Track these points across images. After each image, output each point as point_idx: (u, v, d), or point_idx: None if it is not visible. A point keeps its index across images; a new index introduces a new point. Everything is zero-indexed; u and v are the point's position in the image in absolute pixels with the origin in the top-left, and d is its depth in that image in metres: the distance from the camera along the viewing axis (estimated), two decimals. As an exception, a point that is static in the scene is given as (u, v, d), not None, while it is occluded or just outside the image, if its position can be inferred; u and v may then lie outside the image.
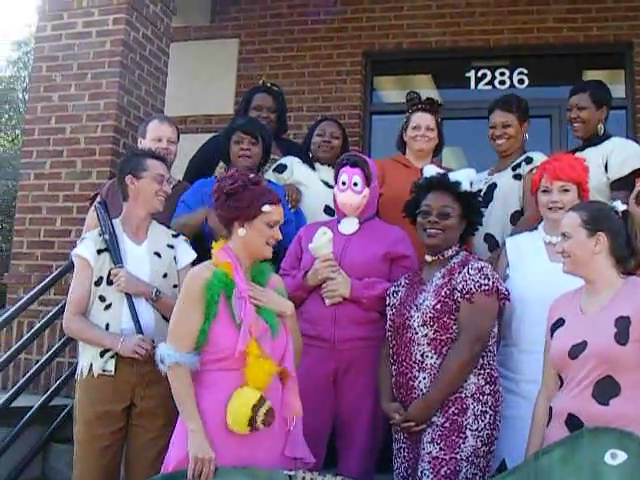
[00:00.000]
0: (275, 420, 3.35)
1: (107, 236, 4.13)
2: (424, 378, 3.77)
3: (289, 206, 4.99)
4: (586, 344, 3.21)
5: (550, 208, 4.07)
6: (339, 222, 4.39)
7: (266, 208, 3.52)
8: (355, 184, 4.27)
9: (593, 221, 3.36)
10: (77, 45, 6.57)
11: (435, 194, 4.01)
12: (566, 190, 4.05)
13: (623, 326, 3.15)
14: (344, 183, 4.29)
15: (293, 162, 5.39)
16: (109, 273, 4.07)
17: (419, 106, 5.24)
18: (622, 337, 3.14)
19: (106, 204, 4.31)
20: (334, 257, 4.19)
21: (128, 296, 4.05)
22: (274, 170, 5.37)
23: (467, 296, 3.77)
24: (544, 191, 4.11)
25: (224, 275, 3.47)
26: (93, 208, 4.62)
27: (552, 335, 3.43)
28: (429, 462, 3.64)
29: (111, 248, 4.11)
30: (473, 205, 4.09)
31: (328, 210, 5.01)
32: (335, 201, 4.40)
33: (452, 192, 4.00)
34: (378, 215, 4.58)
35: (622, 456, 2.98)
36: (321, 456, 4.03)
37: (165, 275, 4.17)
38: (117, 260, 4.08)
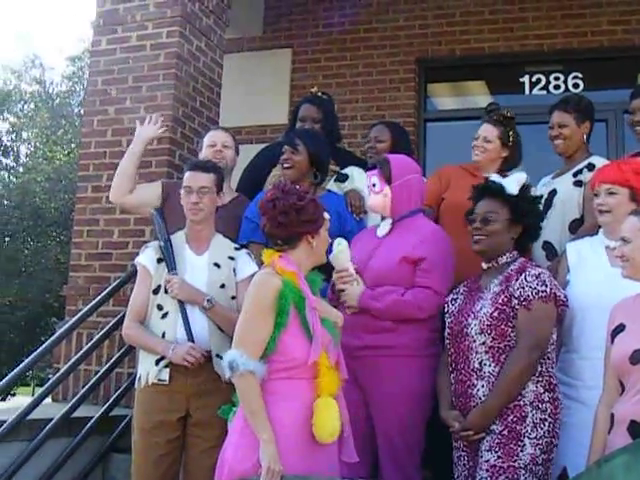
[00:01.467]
0: None
1: (162, 243, 4.19)
2: (482, 386, 3.76)
3: (353, 215, 4.97)
4: (647, 350, 3.16)
5: (600, 211, 4.03)
6: (379, 226, 4.40)
7: (326, 215, 3.59)
8: (373, 185, 4.28)
9: None
10: (132, 58, 6.65)
11: (484, 200, 4.02)
12: (612, 193, 3.97)
13: (685, 331, 3.10)
14: (368, 187, 4.34)
15: (354, 171, 5.36)
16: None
17: (490, 116, 5.24)
18: (684, 343, 3.08)
19: (162, 212, 4.36)
20: (363, 262, 4.20)
21: (182, 305, 4.10)
22: (336, 180, 5.34)
23: (524, 303, 3.74)
24: (595, 194, 4.07)
25: (293, 284, 3.47)
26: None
27: (612, 341, 3.39)
28: (487, 470, 3.63)
29: (165, 255, 4.17)
30: (523, 209, 4.03)
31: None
32: None
33: (499, 197, 3.99)
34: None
35: (685, 463, 2.94)
36: (368, 464, 4.06)
37: (223, 285, 4.20)
38: (171, 267, 4.15)
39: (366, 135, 5.46)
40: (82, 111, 10.94)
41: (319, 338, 3.39)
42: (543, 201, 4.75)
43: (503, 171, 5.07)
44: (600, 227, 4.17)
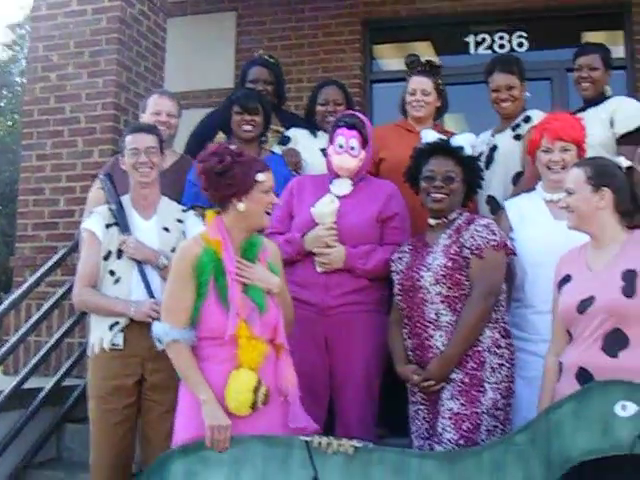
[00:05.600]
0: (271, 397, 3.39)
1: (114, 206, 4.16)
2: (440, 336, 3.81)
3: (290, 170, 4.99)
4: (594, 299, 3.21)
5: (549, 167, 4.08)
6: (331, 182, 4.35)
7: (260, 177, 3.49)
8: (352, 148, 4.24)
9: (597, 177, 3.36)
10: (73, 23, 6.53)
11: (438, 159, 4.01)
12: (567, 150, 4.05)
13: (630, 279, 3.17)
14: (341, 146, 4.25)
15: (296, 134, 5.37)
16: (118, 247, 4.09)
17: (417, 69, 5.20)
18: (629, 290, 3.15)
19: (111, 176, 4.33)
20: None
21: (139, 266, 4.08)
22: (278, 143, 5.36)
23: (476, 252, 3.80)
24: (544, 151, 4.10)
25: (214, 253, 3.46)
26: (96, 184, 4.65)
27: (560, 291, 3.44)
28: (450, 418, 3.68)
29: (118, 218, 4.14)
30: (474, 169, 4.10)
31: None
32: (328, 161, 4.37)
33: (454, 157, 4.00)
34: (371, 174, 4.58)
35: (632, 407, 3.00)
36: (322, 419, 4.05)
37: (173, 249, 4.15)
38: (125, 229, 4.11)
39: (315, 93, 5.40)
40: (24, 80, 10.75)
41: (235, 310, 3.38)
42: (484, 157, 4.83)
43: (435, 121, 5.16)
44: (539, 180, 4.22)
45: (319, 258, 4.15)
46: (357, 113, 4.55)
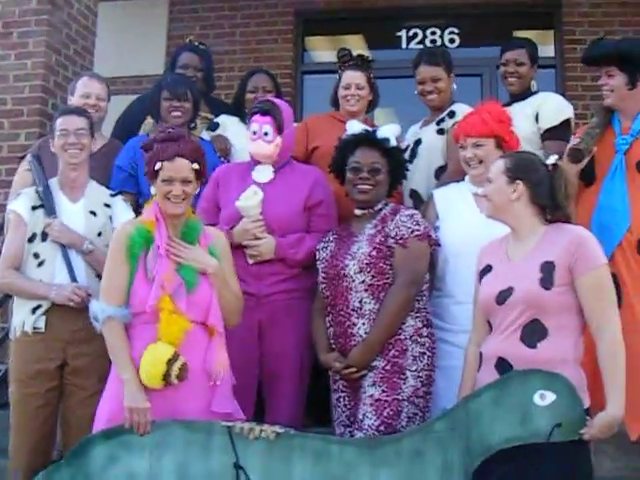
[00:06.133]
0: (188, 375, 3.36)
1: (41, 188, 4.13)
2: (363, 324, 3.84)
3: (219, 156, 4.99)
4: (512, 290, 3.27)
5: (467, 163, 4.14)
6: (253, 169, 4.34)
7: (158, 165, 3.50)
8: (265, 134, 4.22)
9: (514, 169, 3.41)
10: (2, 3, 6.44)
11: (363, 150, 4.04)
12: (479, 145, 4.08)
13: (548, 271, 3.22)
14: (255, 132, 4.24)
15: (225, 120, 5.37)
16: (43, 230, 4.06)
17: (350, 63, 5.23)
18: (547, 282, 3.20)
19: (39, 157, 4.28)
20: None
21: (63, 250, 4.04)
22: (207, 129, 5.36)
23: (400, 241, 3.84)
24: (461, 147, 4.17)
25: (146, 231, 3.50)
26: (23, 166, 4.60)
27: (480, 281, 3.50)
28: (371, 405, 3.72)
29: (45, 200, 4.11)
30: (399, 161, 4.15)
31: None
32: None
33: (379, 148, 4.04)
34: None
35: (551, 397, 3.08)
36: (250, 409, 4.05)
37: (100, 234, 4.17)
38: (51, 212, 4.08)
39: (245, 81, 5.39)
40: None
41: (159, 282, 3.39)
42: (409, 150, 4.87)
43: (366, 114, 5.19)
44: (463, 175, 4.28)
45: (249, 250, 4.15)
46: (273, 99, 4.55)
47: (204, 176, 3.68)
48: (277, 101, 4.44)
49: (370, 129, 4.18)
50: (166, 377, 3.31)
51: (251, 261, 4.14)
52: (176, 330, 3.39)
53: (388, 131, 4.14)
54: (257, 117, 4.26)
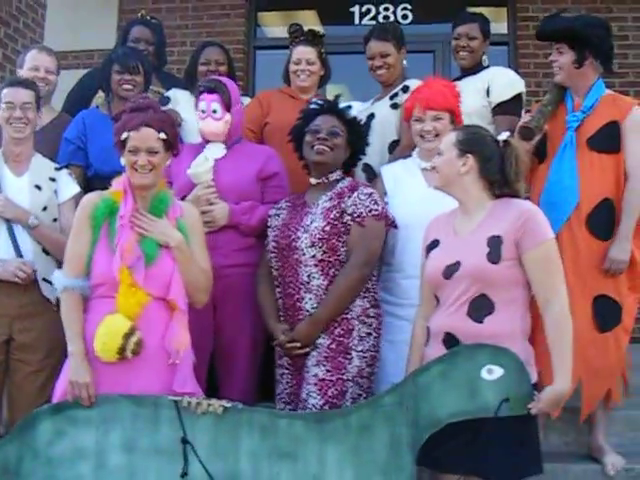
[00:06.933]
0: (142, 350, 3.34)
1: None
2: (310, 299, 3.82)
3: None
4: (460, 264, 3.27)
5: (422, 136, 4.14)
6: (204, 148, 4.33)
7: (124, 135, 3.49)
8: (214, 111, 4.22)
9: (465, 143, 3.42)
10: (-51, -25, 6.32)
11: (324, 117, 4.03)
12: (439, 118, 4.11)
13: (495, 245, 3.23)
14: (203, 111, 4.24)
15: (176, 94, 5.32)
16: None
17: (301, 39, 5.21)
18: (494, 256, 3.21)
19: None
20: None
21: (8, 225, 4.00)
22: (159, 103, 5.28)
23: (358, 219, 3.81)
24: (417, 120, 4.16)
25: (112, 201, 3.48)
26: None
27: (427, 256, 3.50)
28: (315, 384, 3.70)
29: None
30: (359, 132, 4.14)
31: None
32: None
33: (340, 117, 4.04)
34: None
35: (498, 371, 3.11)
36: (202, 383, 4.02)
37: (45, 208, 4.13)
38: None
39: (197, 54, 5.35)
40: None
41: (119, 253, 3.36)
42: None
43: (318, 89, 5.22)
44: (414, 148, 4.28)
45: (203, 217, 4.11)
46: (219, 77, 4.54)
47: (175, 148, 3.64)
48: (223, 79, 4.43)
49: (330, 100, 4.18)
50: (121, 351, 3.29)
51: (206, 230, 4.10)
52: (133, 303, 3.35)
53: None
54: (204, 95, 4.26)
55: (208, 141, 4.31)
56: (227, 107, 4.24)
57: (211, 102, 4.22)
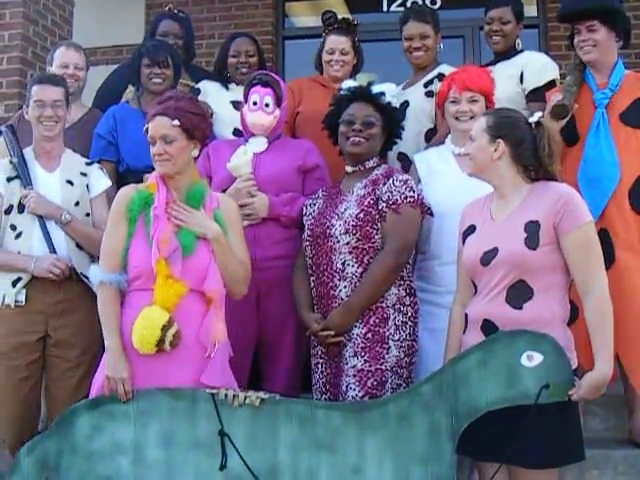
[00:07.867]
0: (181, 343, 3.33)
1: (15, 159, 4.08)
2: (345, 287, 3.78)
3: None
4: (497, 250, 3.23)
5: (457, 118, 4.09)
6: (247, 141, 4.33)
7: (145, 127, 3.50)
8: (267, 105, 4.23)
9: (496, 127, 3.37)
10: (-24, -25, 6.33)
11: (358, 104, 3.99)
12: (475, 100, 4.07)
13: (532, 230, 3.18)
14: (255, 103, 4.24)
15: (207, 86, 5.29)
16: (20, 201, 4.01)
17: (334, 27, 5.17)
18: (532, 242, 3.16)
19: (14, 128, 4.23)
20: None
21: (41, 221, 4.00)
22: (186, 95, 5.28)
23: (393, 207, 3.77)
24: (452, 102, 4.12)
25: (147, 194, 3.47)
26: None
27: (464, 242, 3.46)
28: (354, 375, 3.67)
29: (20, 171, 4.07)
30: (394, 118, 4.10)
31: (237, 133, 4.87)
32: (243, 120, 4.35)
33: (374, 103, 3.99)
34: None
35: (538, 357, 3.06)
36: (245, 373, 4.06)
37: (77, 203, 4.14)
38: (27, 183, 4.05)
39: (227, 46, 5.31)
40: None
41: (156, 244, 3.34)
42: None
43: (350, 78, 5.10)
44: (447, 135, 4.24)
45: (243, 210, 4.07)
46: (271, 73, 4.52)
47: (200, 136, 3.57)
48: (276, 76, 4.43)
49: (364, 85, 4.14)
50: (159, 343, 3.28)
51: (246, 223, 4.07)
52: (171, 295, 3.33)
53: (384, 88, 4.10)
54: (258, 88, 4.27)
55: (251, 135, 4.32)
56: (278, 103, 4.26)
57: (265, 95, 4.24)
